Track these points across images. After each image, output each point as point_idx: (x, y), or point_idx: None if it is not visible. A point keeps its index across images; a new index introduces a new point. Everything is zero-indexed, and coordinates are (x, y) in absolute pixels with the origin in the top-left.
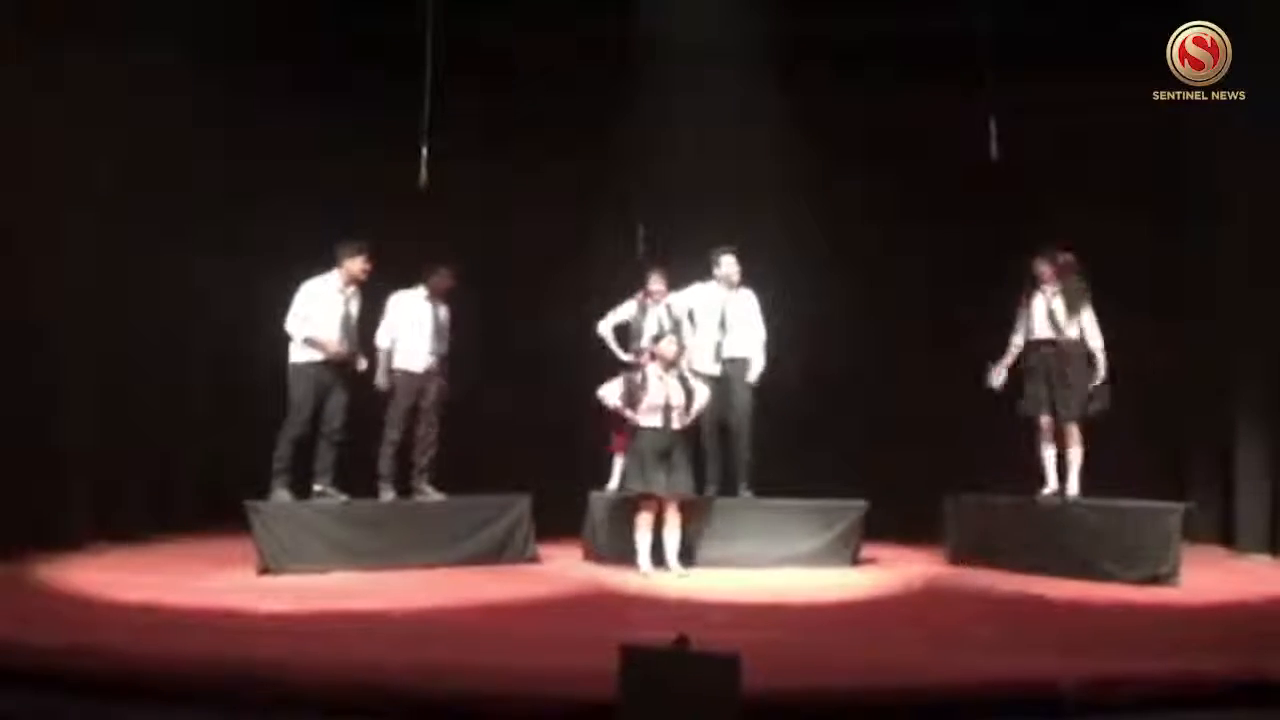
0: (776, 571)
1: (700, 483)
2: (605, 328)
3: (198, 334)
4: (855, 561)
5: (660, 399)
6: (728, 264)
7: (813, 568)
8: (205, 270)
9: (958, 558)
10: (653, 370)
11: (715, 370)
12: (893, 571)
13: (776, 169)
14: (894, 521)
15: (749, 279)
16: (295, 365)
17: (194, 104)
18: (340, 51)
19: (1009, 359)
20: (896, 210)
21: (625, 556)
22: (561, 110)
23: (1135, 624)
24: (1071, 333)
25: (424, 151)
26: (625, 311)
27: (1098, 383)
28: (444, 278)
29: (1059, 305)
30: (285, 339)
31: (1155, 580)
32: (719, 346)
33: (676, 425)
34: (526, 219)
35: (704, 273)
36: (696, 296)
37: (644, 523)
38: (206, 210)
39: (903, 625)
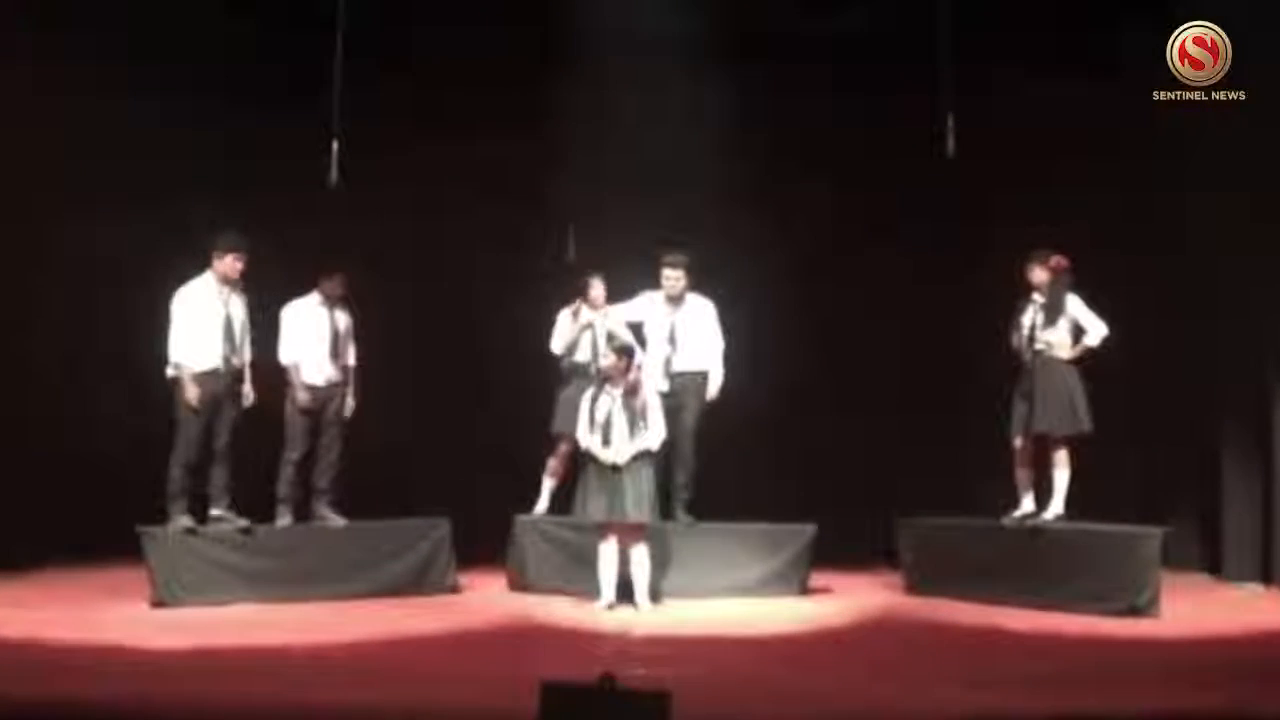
0: (718, 602)
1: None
2: (558, 346)
3: (97, 346)
4: (804, 590)
5: (601, 416)
6: (668, 277)
7: (757, 597)
8: (102, 276)
9: (916, 586)
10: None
11: (664, 386)
12: (844, 601)
13: (720, 168)
14: (849, 546)
15: (703, 287)
16: (176, 380)
17: (96, 102)
18: (248, 42)
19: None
20: (849, 214)
21: (554, 585)
22: (489, 102)
23: (1110, 659)
24: (1052, 338)
25: (335, 146)
26: (563, 323)
27: (1080, 398)
28: (336, 283)
29: (1040, 315)
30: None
31: (1133, 611)
32: (668, 361)
33: (621, 447)
34: (451, 219)
35: (650, 279)
36: (644, 307)
37: (603, 552)
38: (107, 215)
39: (852, 660)
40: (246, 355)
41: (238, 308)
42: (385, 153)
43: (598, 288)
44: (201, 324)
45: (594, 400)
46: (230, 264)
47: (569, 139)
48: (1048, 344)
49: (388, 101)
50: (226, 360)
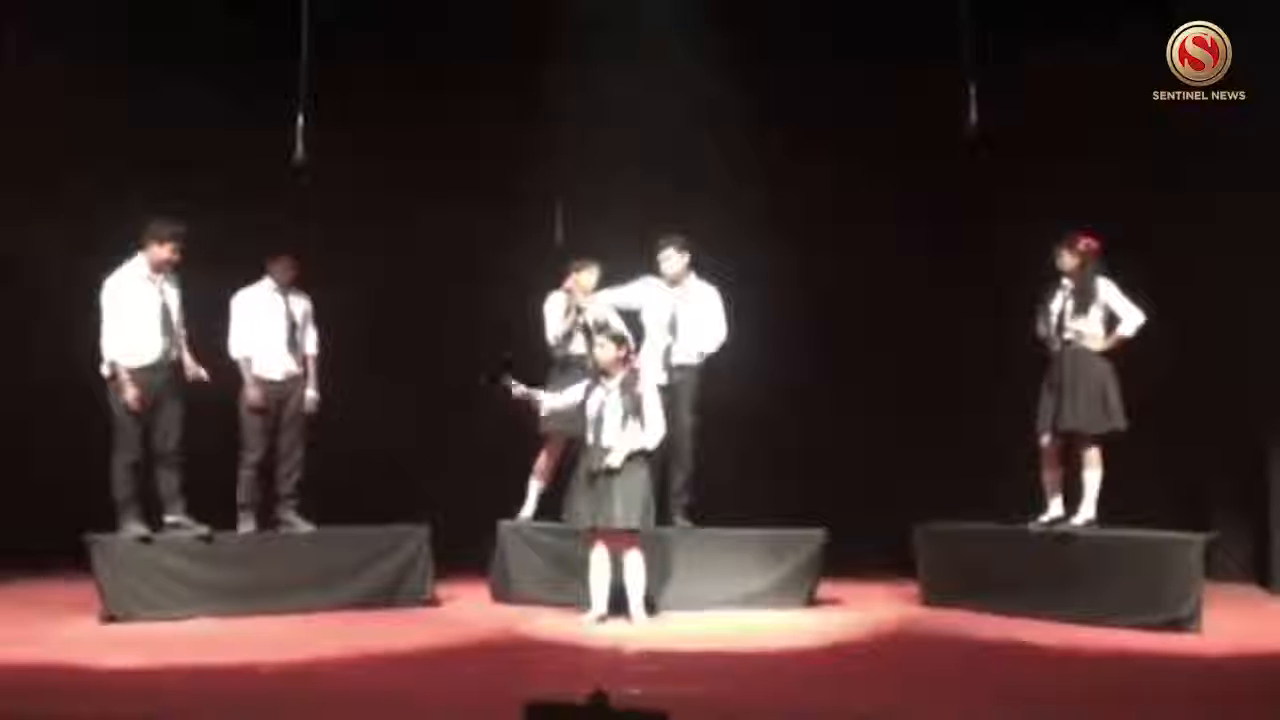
0: (718, 614)
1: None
2: (552, 336)
3: (39, 345)
4: (812, 601)
5: (594, 412)
6: (666, 258)
7: (761, 609)
8: (53, 273)
9: (933, 597)
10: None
11: (663, 380)
12: (856, 613)
13: (718, 162)
14: (860, 554)
15: (706, 272)
16: (113, 378)
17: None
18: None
19: None
20: (850, 214)
21: (541, 596)
22: (469, 81)
23: (1147, 676)
24: (1083, 327)
25: (300, 121)
26: (555, 309)
27: (1113, 393)
28: (284, 266)
29: (1070, 301)
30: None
31: (1172, 625)
32: (668, 351)
33: (610, 445)
34: (431, 201)
35: (646, 268)
36: (642, 292)
37: (593, 560)
38: (59, 207)
39: (864, 678)
40: (184, 345)
41: (173, 295)
42: (356, 128)
43: (591, 274)
44: (137, 316)
45: (588, 392)
46: (165, 254)
47: (558, 123)
48: (1078, 333)
49: (359, 75)
50: (166, 353)
